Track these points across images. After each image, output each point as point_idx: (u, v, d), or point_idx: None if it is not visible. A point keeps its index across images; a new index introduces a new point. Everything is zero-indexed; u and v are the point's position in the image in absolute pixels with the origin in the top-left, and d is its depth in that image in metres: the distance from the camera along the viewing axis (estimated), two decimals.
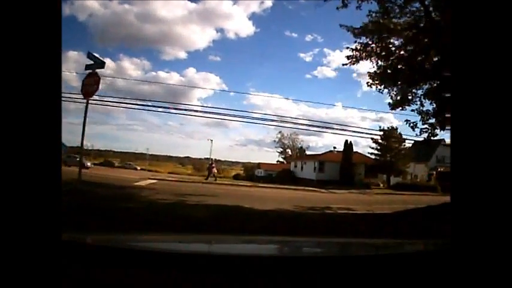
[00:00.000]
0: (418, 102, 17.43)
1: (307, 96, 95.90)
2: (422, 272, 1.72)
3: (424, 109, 17.43)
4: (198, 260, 1.70)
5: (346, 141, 46.26)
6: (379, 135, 44.09)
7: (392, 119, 59.22)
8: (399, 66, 17.01)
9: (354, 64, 17.30)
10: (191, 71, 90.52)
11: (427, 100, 17.28)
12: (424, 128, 17.88)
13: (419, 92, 17.40)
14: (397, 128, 44.71)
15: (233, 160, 77.70)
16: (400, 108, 17.90)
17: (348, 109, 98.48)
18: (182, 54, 79.90)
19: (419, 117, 17.57)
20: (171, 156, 69.72)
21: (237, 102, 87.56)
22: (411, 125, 17.65)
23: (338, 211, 15.33)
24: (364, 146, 73.32)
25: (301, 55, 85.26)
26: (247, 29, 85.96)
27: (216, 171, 33.33)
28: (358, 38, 16.58)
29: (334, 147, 51.19)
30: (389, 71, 17.06)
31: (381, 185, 42.93)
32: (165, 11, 65.18)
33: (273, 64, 78.78)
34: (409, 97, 17.54)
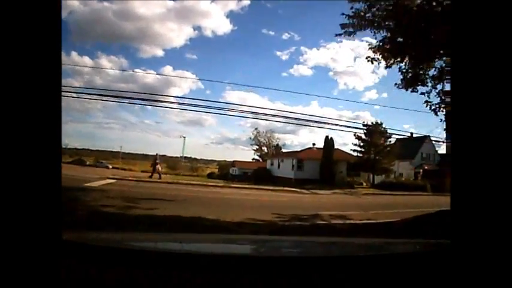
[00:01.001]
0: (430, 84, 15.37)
1: (284, 94, 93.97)
2: (422, 272, 1.72)
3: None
4: (198, 260, 1.72)
5: (327, 137, 43.92)
6: (363, 129, 42.63)
7: (369, 117, 57.83)
8: (409, 38, 14.46)
9: (349, 35, 14.60)
10: (168, 69, 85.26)
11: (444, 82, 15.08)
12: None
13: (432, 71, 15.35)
14: (381, 123, 43.07)
15: (209, 158, 75.19)
16: (412, 89, 15.67)
17: (324, 107, 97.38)
18: (159, 52, 77.93)
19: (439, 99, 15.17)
20: (147, 155, 67.16)
21: (214, 100, 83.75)
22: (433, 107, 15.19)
23: (331, 220, 13.14)
24: (341, 144, 71.89)
25: (278, 53, 79.15)
26: (224, 27, 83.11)
27: (160, 168, 31.83)
28: (356, 2, 14.30)
29: (314, 144, 49.08)
30: (398, 40, 14.74)
31: (364, 184, 41.55)
32: (144, 9, 63.66)
33: (249, 62, 74.10)
34: (421, 76, 15.45)
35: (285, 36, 75.00)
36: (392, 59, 15.14)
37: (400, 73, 15.48)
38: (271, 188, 30.31)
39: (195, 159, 69.98)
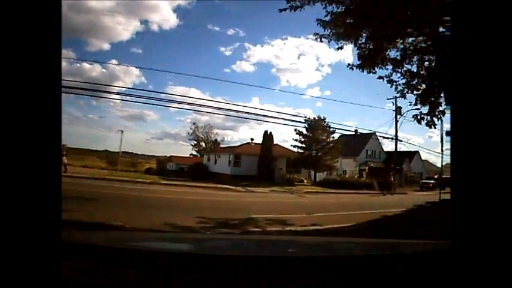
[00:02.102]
0: (390, 67, 14.44)
1: (225, 90, 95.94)
2: (422, 272, 1.77)
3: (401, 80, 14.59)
4: (198, 260, 1.76)
5: (266, 132, 43.17)
6: (304, 124, 41.48)
7: (310, 115, 57.99)
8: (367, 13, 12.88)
9: (295, 10, 13.12)
10: (113, 63, 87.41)
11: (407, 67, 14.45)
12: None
13: (394, 53, 14.37)
14: (324, 118, 42.15)
15: (149, 154, 74.32)
16: (368, 70, 14.37)
17: (265, 104, 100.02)
18: (106, 46, 77.41)
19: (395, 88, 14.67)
20: (92, 150, 65.52)
21: (156, 93, 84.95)
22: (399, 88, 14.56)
23: (268, 227, 10.91)
24: (282, 141, 73.05)
25: (222, 49, 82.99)
26: (171, 21, 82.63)
27: (65, 160, 28.55)
28: None
29: (252, 139, 48.62)
30: (354, 15, 13.24)
31: (305, 181, 40.02)
32: (95, 2, 61.13)
33: (193, 58, 76.33)
34: (380, 57, 14.16)
35: (230, 32, 78.47)
36: (346, 37, 13.82)
37: (357, 50, 14.21)
38: (203, 185, 28.52)
39: (136, 154, 69.88)
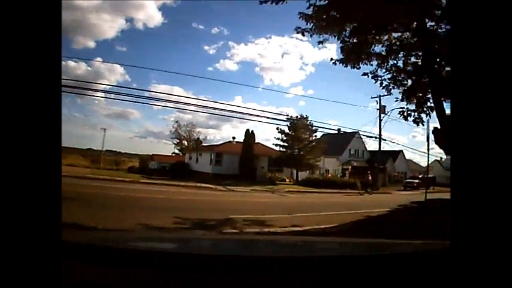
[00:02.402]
0: (375, 62, 14.32)
1: (208, 89, 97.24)
2: (422, 272, 1.78)
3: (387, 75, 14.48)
4: (198, 260, 1.74)
5: (247, 130, 43.02)
6: (287, 123, 41.39)
7: (293, 114, 58.46)
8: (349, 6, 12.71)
9: (277, 3, 12.75)
10: (98, 61, 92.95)
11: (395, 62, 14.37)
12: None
13: (380, 48, 14.31)
14: (307, 117, 42.17)
15: (133, 152, 75.37)
16: (352, 65, 14.19)
17: (247, 102, 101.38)
18: (91, 44, 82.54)
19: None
20: (76, 148, 65.80)
21: (140, 91, 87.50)
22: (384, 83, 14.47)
23: (246, 228, 10.63)
24: (264, 140, 74.28)
25: (206, 47, 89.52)
26: (156, 19, 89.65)
27: None
28: None
29: (234, 138, 48.49)
30: (335, 12, 12.98)
31: (287, 180, 40.16)
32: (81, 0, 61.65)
33: (177, 56, 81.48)
34: (364, 51, 14.02)
35: (215, 30, 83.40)
36: (329, 30, 13.51)
37: (340, 44, 14.00)
38: (182, 183, 28.28)
39: (120, 152, 70.88)
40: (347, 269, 1.72)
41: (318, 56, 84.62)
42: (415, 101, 13.60)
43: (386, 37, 13.91)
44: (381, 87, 14.48)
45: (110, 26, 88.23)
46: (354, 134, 48.54)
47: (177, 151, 66.84)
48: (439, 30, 12.45)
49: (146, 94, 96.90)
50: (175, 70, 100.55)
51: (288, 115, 42.82)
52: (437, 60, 12.59)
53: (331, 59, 14.38)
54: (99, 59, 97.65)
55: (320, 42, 13.96)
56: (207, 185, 27.99)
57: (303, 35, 13.48)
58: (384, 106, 39.11)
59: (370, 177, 34.64)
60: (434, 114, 13.05)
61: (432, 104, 13.28)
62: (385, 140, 46.39)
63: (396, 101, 14.44)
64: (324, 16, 12.88)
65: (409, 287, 1.70)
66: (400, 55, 14.09)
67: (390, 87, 14.32)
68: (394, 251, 2.56)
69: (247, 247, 2.86)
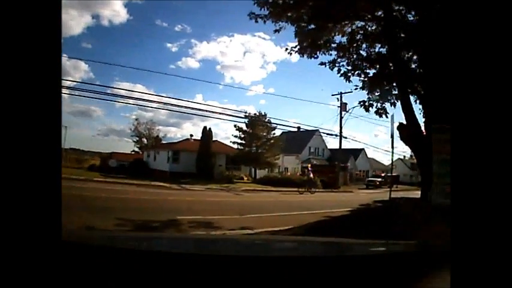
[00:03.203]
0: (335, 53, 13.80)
1: (169, 87, 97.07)
2: (422, 272, 1.80)
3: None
4: (198, 260, 1.77)
5: (205, 127, 42.80)
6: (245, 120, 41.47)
7: (253, 112, 59.13)
8: None
9: None
10: (63, 58, 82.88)
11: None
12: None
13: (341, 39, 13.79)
14: (265, 114, 42.37)
15: (95, 150, 72.56)
16: (309, 54, 13.67)
17: (208, 100, 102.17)
18: None
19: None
20: None
21: (102, 88, 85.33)
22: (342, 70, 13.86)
23: (189, 229, 10.40)
24: (224, 138, 74.88)
25: (169, 45, 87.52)
26: (121, 16, 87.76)
27: None
28: None
29: (191, 135, 47.82)
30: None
31: (245, 178, 40.11)
32: None
33: (140, 53, 78.73)
34: (323, 39, 13.38)
35: (178, 28, 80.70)
36: (284, 17, 13.00)
37: (295, 30, 13.35)
38: (136, 182, 27.34)
39: (83, 151, 69.00)
40: (347, 268, 1.77)
41: (279, 54, 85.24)
42: (378, 91, 13.31)
43: (349, 27, 13.48)
44: (339, 75, 13.95)
45: (77, 23, 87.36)
46: (314, 132, 48.73)
47: (136, 149, 66.38)
48: (408, 15, 12.19)
49: (109, 91, 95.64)
50: (138, 67, 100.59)
51: (245, 112, 42.95)
52: (404, 48, 12.31)
53: (286, 49, 14.07)
54: (64, 55, 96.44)
55: (276, 31, 13.43)
56: (162, 184, 27.59)
57: (256, 21, 13.01)
58: (345, 103, 39.38)
59: (311, 175, 33.18)
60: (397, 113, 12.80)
61: (396, 96, 13.04)
62: (346, 138, 46.60)
63: (356, 89, 14.19)
64: (280, 1, 12.47)
65: (409, 287, 1.73)
66: (364, 47, 13.76)
67: (349, 74, 13.84)
68: (394, 251, 2.61)
69: (247, 247, 2.90)
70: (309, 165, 37.95)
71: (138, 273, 1.59)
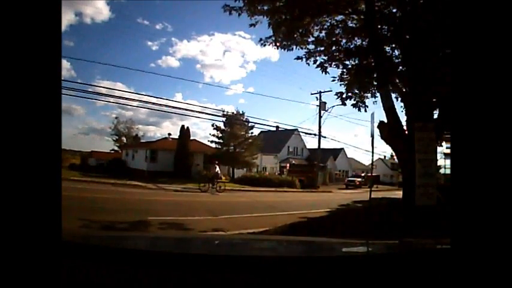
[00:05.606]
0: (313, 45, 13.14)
1: (149, 85, 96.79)
2: (422, 272, 1.78)
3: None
4: (198, 260, 1.78)
5: (183, 126, 42.40)
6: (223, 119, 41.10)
7: (232, 111, 59.10)
8: None
9: None
10: None
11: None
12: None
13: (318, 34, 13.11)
14: (243, 113, 42.44)
15: (77, 149, 71.82)
16: (284, 46, 13.13)
17: (188, 99, 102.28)
18: None
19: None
20: None
21: (83, 86, 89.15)
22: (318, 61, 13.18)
23: (158, 231, 10.02)
24: (203, 137, 74.72)
25: (149, 43, 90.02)
26: (103, 14, 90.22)
27: None
28: None
29: (169, 134, 47.71)
30: None
31: (223, 177, 37.25)
32: None
33: (121, 51, 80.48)
34: (298, 30, 12.74)
35: (159, 26, 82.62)
36: (259, 10, 12.30)
37: (269, 20, 12.61)
38: (112, 181, 27.09)
39: (64, 149, 65.84)
40: (347, 269, 1.76)
41: (259, 53, 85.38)
42: (357, 85, 12.89)
43: (327, 22, 12.99)
44: (315, 66, 13.28)
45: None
46: (293, 131, 48.71)
47: (116, 148, 65.69)
48: (391, 8, 11.90)
49: (90, 89, 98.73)
50: (119, 65, 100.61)
51: (223, 111, 42.35)
52: (385, 43, 11.99)
53: (260, 39, 13.46)
54: None
55: (252, 25, 12.79)
56: (137, 183, 27.29)
57: (230, 13, 12.36)
58: (325, 102, 39.37)
59: (217, 169, 29.92)
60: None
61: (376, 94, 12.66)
62: (325, 137, 46.77)
63: (333, 81, 13.54)
64: None
65: (409, 287, 1.71)
66: (343, 42, 13.27)
67: (326, 65, 13.14)
68: (394, 251, 2.63)
69: (247, 247, 2.92)
70: (287, 165, 38.08)
71: (138, 273, 1.59)
